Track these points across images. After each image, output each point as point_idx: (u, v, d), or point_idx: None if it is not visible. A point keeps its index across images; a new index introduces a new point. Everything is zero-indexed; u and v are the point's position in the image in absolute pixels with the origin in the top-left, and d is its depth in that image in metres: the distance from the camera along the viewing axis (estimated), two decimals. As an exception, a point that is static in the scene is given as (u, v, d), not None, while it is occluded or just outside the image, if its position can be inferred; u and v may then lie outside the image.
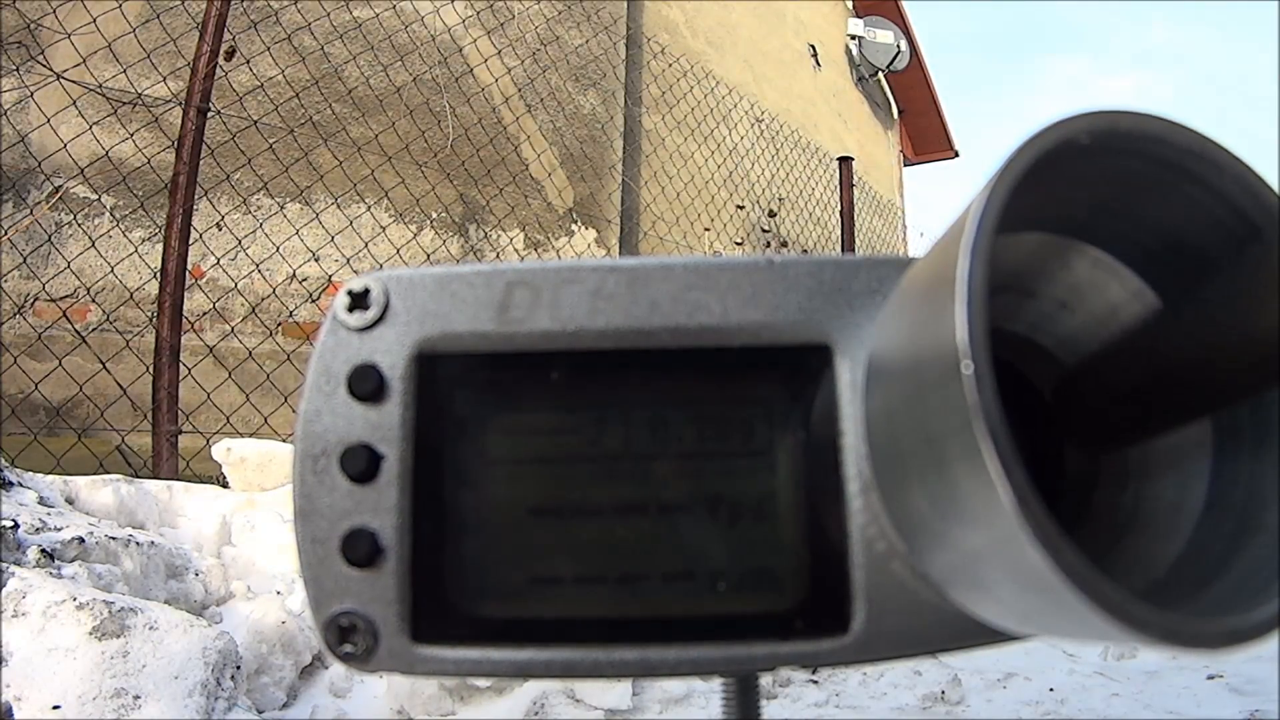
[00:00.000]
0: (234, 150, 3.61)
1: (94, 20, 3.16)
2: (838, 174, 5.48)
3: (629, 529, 0.40)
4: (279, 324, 4.00)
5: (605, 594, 0.39)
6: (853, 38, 8.67)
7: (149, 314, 3.36)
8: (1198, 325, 0.32)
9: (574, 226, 4.83)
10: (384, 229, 4.18)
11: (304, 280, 4.03)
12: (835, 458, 0.38)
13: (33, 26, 3.52)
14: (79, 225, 3.73)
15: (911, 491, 0.33)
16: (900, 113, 9.80)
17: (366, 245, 4.02)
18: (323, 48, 3.98)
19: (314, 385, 0.41)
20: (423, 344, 0.41)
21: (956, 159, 10.94)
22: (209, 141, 3.10)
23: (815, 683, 1.79)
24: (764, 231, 6.25)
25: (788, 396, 0.40)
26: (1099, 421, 0.37)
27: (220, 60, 3.05)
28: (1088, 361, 0.38)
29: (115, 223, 3.77)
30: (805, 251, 6.54)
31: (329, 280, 4.07)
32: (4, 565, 1.33)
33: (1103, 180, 0.32)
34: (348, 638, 0.39)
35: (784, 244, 6.34)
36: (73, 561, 1.47)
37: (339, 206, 4.07)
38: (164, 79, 3.63)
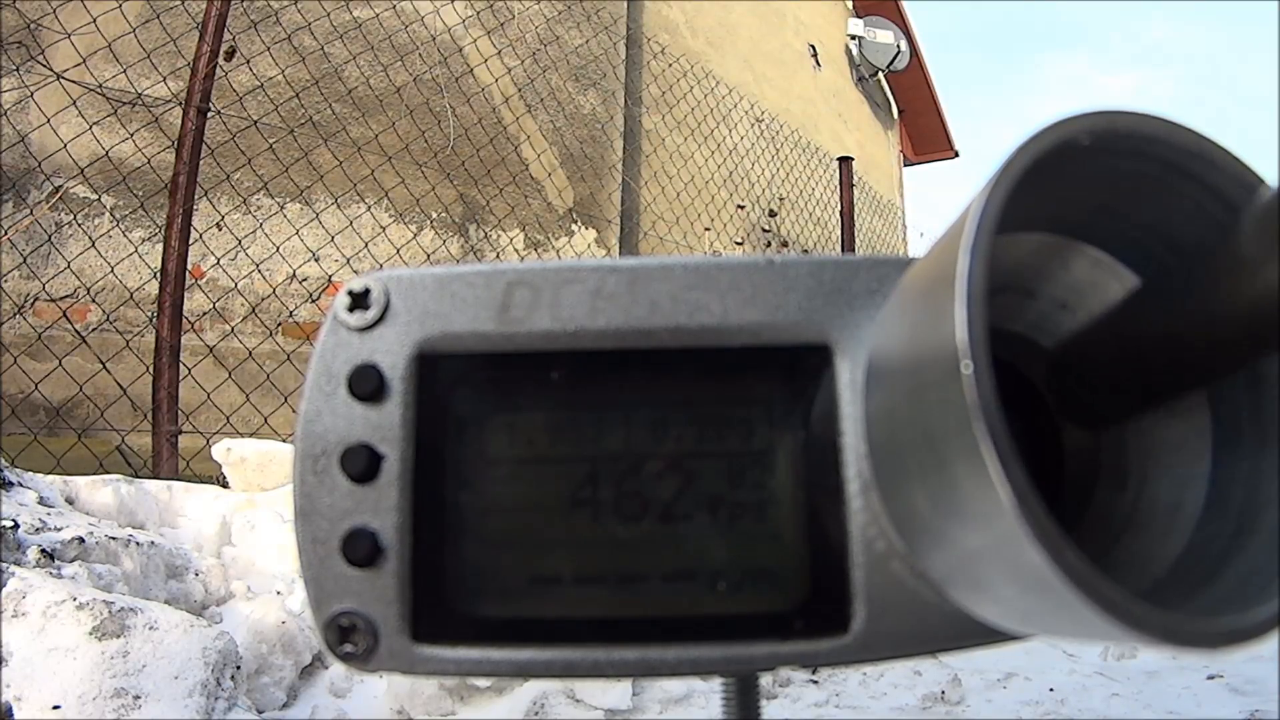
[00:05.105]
0: (234, 150, 3.61)
1: (94, 20, 3.16)
2: (838, 174, 5.49)
3: (629, 529, 0.40)
4: (279, 324, 4.00)
5: (605, 594, 0.39)
6: (853, 38, 8.68)
7: (149, 314, 3.36)
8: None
9: (574, 226, 4.83)
10: (384, 229, 4.18)
11: (304, 280, 4.03)
12: (835, 458, 0.38)
13: (33, 26, 3.52)
14: (79, 225, 3.73)
15: (911, 491, 0.33)
16: (900, 113, 9.80)
17: (366, 245, 4.02)
18: (323, 48, 3.98)
19: (314, 385, 0.41)
20: (423, 344, 0.41)
21: (956, 159, 10.94)
22: (209, 141, 3.11)
23: (815, 683, 1.79)
24: (764, 231, 6.25)
25: (788, 396, 0.40)
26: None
27: (220, 60, 3.05)
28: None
29: (115, 223, 3.77)
30: (805, 251, 6.55)
31: (329, 280, 4.07)
32: (4, 565, 1.33)
33: (1102, 180, 0.32)
34: (348, 638, 0.39)
35: (784, 244, 6.34)
36: (73, 561, 1.47)
37: (339, 206, 4.07)
38: (164, 79, 3.64)
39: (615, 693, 1.60)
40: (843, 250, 5.37)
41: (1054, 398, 0.39)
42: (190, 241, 2.90)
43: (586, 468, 0.40)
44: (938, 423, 0.28)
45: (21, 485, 1.68)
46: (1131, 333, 0.34)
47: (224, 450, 2.30)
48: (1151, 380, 0.33)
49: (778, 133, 6.34)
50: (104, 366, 2.92)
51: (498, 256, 4.57)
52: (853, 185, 5.38)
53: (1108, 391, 0.36)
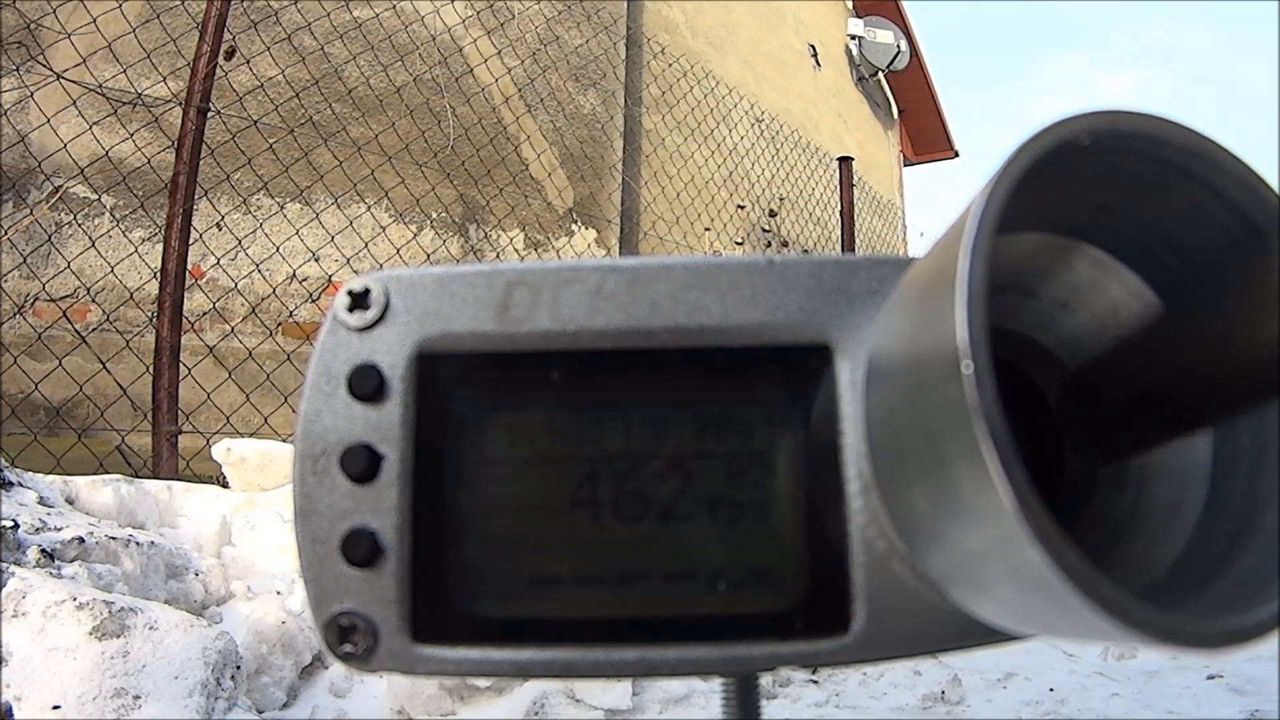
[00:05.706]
0: (234, 150, 3.61)
1: (94, 20, 3.16)
2: (838, 174, 5.49)
3: (629, 529, 0.40)
4: (279, 324, 4.00)
5: (605, 594, 0.39)
6: (853, 38, 8.68)
7: (149, 314, 3.36)
8: (1197, 335, 0.32)
9: (574, 226, 4.83)
10: (384, 229, 4.18)
11: (304, 280, 4.03)
12: (835, 458, 0.38)
13: (33, 26, 3.52)
14: (79, 225, 3.73)
15: (911, 491, 0.33)
16: (900, 113, 9.80)
17: (366, 245, 4.02)
18: (323, 48, 3.98)
19: (314, 385, 0.41)
20: (423, 344, 0.41)
21: (956, 159, 10.94)
22: (209, 141, 3.10)
23: (815, 683, 1.79)
24: (764, 231, 6.25)
25: (788, 396, 0.40)
26: (1098, 433, 0.37)
27: (220, 60, 3.05)
28: (1086, 370, 0.38)
29: (115, 223, 3.77)
30: (805, 251, 6.54)
31: (329, 280, 4.07)
32: (4, 565, 1.33)
33: (1103, 180, 0.32)
34: (348, 638, 0.39)
35: (784, 244, 6.34)
36: (73, 561, 1.47)
37: (339, 206, 4.07)
38: (164, 79, 3.63)
39: (615, 693, 1.60)
40: (843, 250, 5.37)
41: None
42: (190, 241, 2.90)
43: (586, 468, 0.40)
44: (938, 423, 0.28)
45: (21, 485, 1.68)
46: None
47: (224, 450, 2.30)
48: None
49: (778, 133, 6.34)
50: (104, 366, 2.92)
51: (498, 256, 4.57)
52: (853, 185, 5.38)
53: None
